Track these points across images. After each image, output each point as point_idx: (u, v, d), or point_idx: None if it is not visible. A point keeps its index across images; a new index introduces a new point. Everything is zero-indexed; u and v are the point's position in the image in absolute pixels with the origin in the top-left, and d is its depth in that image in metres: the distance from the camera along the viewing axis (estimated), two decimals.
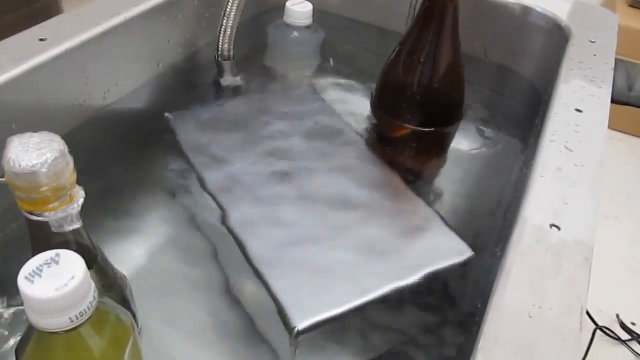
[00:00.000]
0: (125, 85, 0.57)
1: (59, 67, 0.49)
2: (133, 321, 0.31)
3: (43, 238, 0.30)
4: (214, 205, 0.50)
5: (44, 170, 0.28)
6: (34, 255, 0.26)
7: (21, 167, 0.27)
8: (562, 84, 0.52)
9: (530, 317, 0.30)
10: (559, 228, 0.36)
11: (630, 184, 1.54)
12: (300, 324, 0.41)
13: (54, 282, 0.25)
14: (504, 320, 0.30)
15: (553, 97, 0.50)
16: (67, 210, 0.30)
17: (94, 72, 0.53)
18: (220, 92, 0.66)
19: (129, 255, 0.46)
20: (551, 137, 0.45)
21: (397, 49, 0.60)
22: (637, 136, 1.72)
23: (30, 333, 0.27)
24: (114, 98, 0.56)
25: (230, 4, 0.61)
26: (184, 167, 0.53)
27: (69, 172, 0.29)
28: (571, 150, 0.43)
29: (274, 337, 0.43)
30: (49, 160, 0.28)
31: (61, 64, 0.49)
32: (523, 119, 0.67)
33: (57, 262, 0.26)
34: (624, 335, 1.14)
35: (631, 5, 1.68)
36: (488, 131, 0.63)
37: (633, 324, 1.18)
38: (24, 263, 0.26)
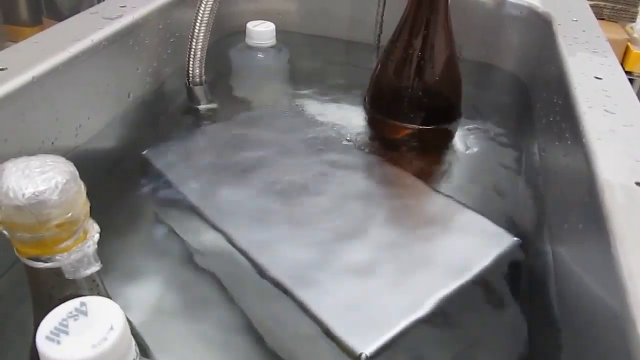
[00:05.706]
0: (97, 119, 0.50)
1: (26, 99, 0.41)
2: None
3: (50, 292, 0.23)
4: (221, 238, 0.43)
5: (54, 197, 0.21)
6: (37, 319, 0.20)
7: (25, 196, 0.20)
8: (569, 57, 0.50)
9: None
10: None
11: None
12: (367, 349, 0.35)
13: (88, 337, 0.18)
14: None
15: (567, 69, 0.48)
16: (83, 249, 0.23)
17: (64, 105, 0.45)
18: (197, 119, 0.60)
19: (130, 302, 0.38)
20: (587, 104, 0.42)
21: (388, 47, 0.56)
22: None
23: None
24: (86, 135, 0.49)
25: (198, 25, 0.56)
26: (173, 203, 0.47)
27: (82, 200, 0.22)
28: (613, 113, 0.41)
29: None
30: (60, 185, 0.21)
31: (28, 95, 0.41)
32: (514, 109, 0.65)
33: (84, 313, 0.19)
34: None
35: None
36: (484, 123, 0.61)
37: None
38: None
